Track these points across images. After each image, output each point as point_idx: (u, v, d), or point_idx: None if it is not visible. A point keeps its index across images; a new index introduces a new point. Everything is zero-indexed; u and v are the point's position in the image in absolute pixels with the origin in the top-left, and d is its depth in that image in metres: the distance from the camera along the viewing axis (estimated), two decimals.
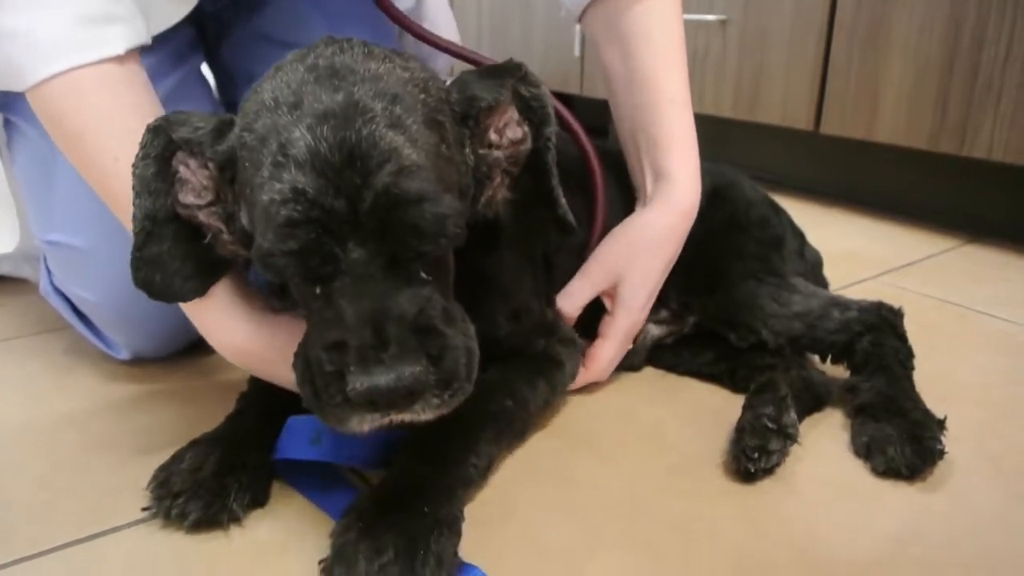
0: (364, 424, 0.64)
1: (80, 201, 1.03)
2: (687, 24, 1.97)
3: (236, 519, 0.76)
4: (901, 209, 1.88)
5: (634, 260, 0.96)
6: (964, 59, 1.55)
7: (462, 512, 0.72)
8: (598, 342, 0.98)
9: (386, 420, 0.64)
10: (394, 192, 0.61)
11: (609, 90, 1.05)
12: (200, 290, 0.80)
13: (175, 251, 0.76)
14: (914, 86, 1.63)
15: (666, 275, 0.99)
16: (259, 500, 0.79)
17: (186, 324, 1.06)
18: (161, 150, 0.72)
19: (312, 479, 0.80)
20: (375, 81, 0.64)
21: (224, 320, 0.83)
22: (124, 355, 1.08)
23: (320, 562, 0.66)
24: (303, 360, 0.67)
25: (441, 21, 1.39)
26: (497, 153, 0.76)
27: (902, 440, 0.84)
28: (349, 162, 0.60)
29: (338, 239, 0.61)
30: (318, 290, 0.65)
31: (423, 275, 0.66)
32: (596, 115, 1.85)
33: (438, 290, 0.67)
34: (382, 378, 0.61)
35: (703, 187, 1.07)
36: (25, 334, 1.19)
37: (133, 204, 0.73)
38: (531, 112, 0.76)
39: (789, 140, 2.04)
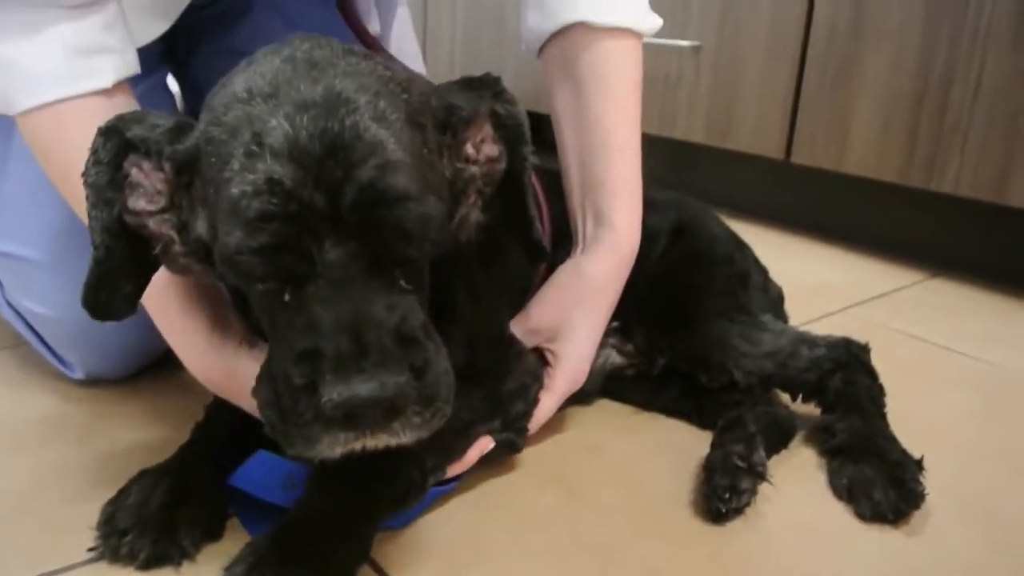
0: (336, 447, 0.58)
1: (33, 210, 1.00)
2: (661, 49, 1.99)
3: (187, 556, 0.72)
4: (869, 240, 1.89)
5: (577, 311, 0.93)
6: (933, 96, 1.57)
7: (366, 552, 0.69)
8: (540, 394, 0.92)
9: (359, 444, 0.59)
10: (379, 188, 0.56)
11: (557, 129, 1.02)
12: (132, 309, 0.72)
13: (122, 269, 0.69)
14: (884, 120, 1.65)
15: (606, 323, 0.96)
16: (212, 533, 0.75)
17: (144, 345, 1.04)
18: (114, 155, 0.65)
19: (252, 505, 0.77)
20: (356, 75, 0.60)
21: (204, 349, 0.80)
22: (79, 375, 1.05)
23: None
24: (267, 380, 0.61)
25: (406, 49, 1.37)
26: (473, 169, 0.72)
27: (884, 484, 0.83)
28: (331, 153, 0.56)
29: (315, 236, 0.56)
30: (287, 297, 0.60)
31: (403, 284, 0.61)
32: None
33: (419, 302, 0.63)
34: (363, 387, 0.55)
35: (668, 221, 1.06)
36: None
37: (89, 216, 0.67)
38: (506, 131, 0.73)
39: (760, 168, 2.04)
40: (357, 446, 0.59)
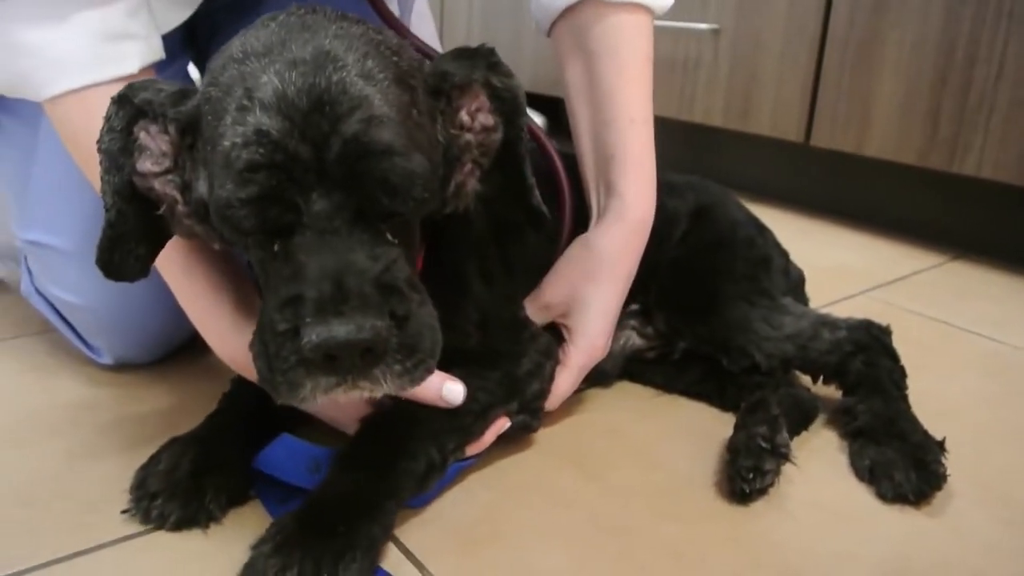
0: (318, 391, 0.61)
1: (62, 200, 1.01)
2: (679, 32, 1.98)
3: (214, 519, 0.76)
4: (889, 223, 1.88)
5: (589, 285, 0.93)
6: (956, 76, 1.55)
7: (388, 527, 0.71)
8: (556, 370, 0.93)
9: (343, 390, 0.61)
10: (363, 141, 0.58)
11: (569, 106, 1.03)
12: (145, 271, 0.75)
13: (135, 231, 0.71)
14: (905, 101, 1.64)
15: (624, 295, 0.96)
16: (237, 499, 0.78)
17: (170, 330, 1.06)
18: (127, 122, 0.68)
19: (274, 486, 0.78)
20: (347, 37, 0.63)
21: (228, 330, 0.82)
22: (107, 360, 1.06)
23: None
24: (258, 332, 0.63)
25: (424, 34, 1.38)
26: (468, 136, 0.73)
27: (907, 465, 0.84)
28: (317, 107, 0.58)
29: (301, 188, 0.59)
30: (276, 247, 0.62)
31: (389, 237, 0.63)
32: None
33: (405, 258, 0.65)
34: (341, 328, 0.57)
35: (688, 204, 1.06)
36: (5, 337, 1.17)
37: (102, 180, 0.70)
38: (502, 103, 0.74)
39: (779, 151, 2.04)
40: (340, 391, 0.61)
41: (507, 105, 0.74)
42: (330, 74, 0.60)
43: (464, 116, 0.73)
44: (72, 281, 1.02)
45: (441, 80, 0.71)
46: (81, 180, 0.85)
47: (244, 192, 0.58)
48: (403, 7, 1.37)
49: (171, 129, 0.68)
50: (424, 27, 1.44)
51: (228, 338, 0.82)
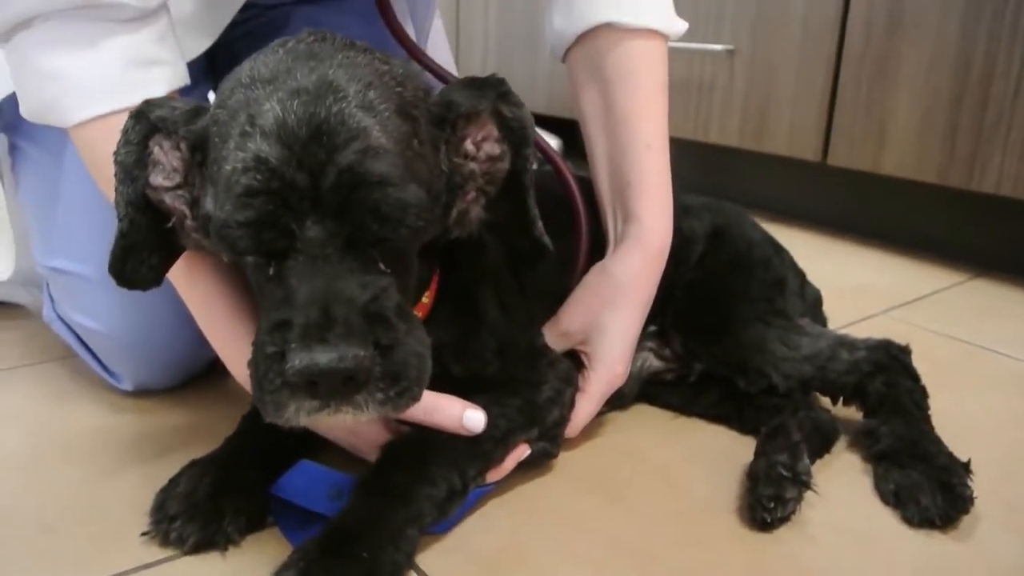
0: (302, 414, 0.62)
1: (85, 227, 1.02)
2: (694, 53, 1.99)
3: (232, 542, 0.76)
4: (909, 242, 1.87)
5: (607, 311, 0.93)
6: (973, 93, 1.55)
7: (411, 554, 0.71)
8: (576, 397, 0.93)
9: (326, 413, 0.61)
10: (358, 171, 0.60)
11: (584, 132, 1.03)
12: (158, 280, 0.77)
13: (147, 241, 0.74)
14: (923, 119, 1.63)
15: (643, 321, 0.96)
16: (256, 522, 0.78)
17: (191, 356, 1.06)
18: (143, 137, 0.71)
19: (292, 512, 0.78)
20: (352, 67, 0.64)
21: (244, 356, 0.82)
22: (127, 386, 1.07)
23: None
24: (254, 351, 0.64)
25: (441, 59, 1.39)
26: (472, 165, 0.74)
27: (932, 488, 0.83)
28: (315, 136, 0.60)
29: (296, 214, 0.60)
30: (271, 270, 0.64)
31: (382, 266, 0.64)
32: None
33: (396, 287, 0.65)
34: (323, 356, 0.58)
35: (704, 225, 1.06)
36: (27, 363, 1.18)
37: (116, 191, 0.72)
38: (510, 132, 0.74)
39: (796, 171, 2.03)
40: (323, 416, 0.62)
41: (515, 135, 0.74)
42: (330, 104, 0.61)
43: (469, 145, 0.74)
44: (94, 308, 1.03)
45: (446, 109, 0.72)
46: (105, 208, 0.86)
47: (242, 215, 0.60)
48: (419, 32, 1.38)
49: (183, 146, 0.70)
50: (440, 52, 1.45)
51: (247, 362, 0.82)
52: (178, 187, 0.72)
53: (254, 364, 0.64)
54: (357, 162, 0.60)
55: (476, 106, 0.72)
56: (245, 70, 0.66)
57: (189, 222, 0.73)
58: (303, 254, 0.61)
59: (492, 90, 0.74)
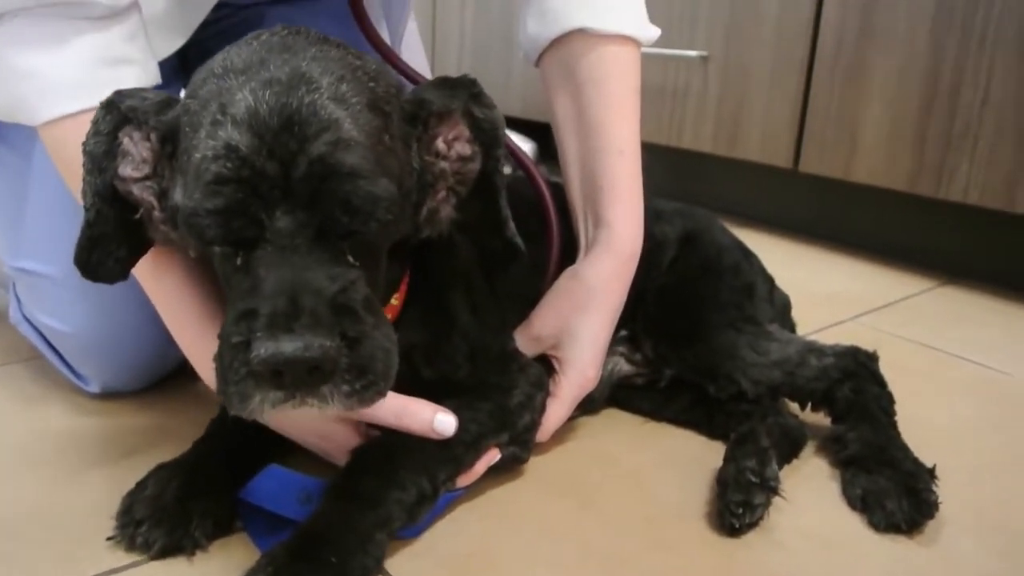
0: (266, 405, 0.61)
1: (53, 228, 1.01)
2: (668, 59, 2.00)
3: (199, 546, 0.75)
4: (879, 249, 1.89)
5: (578, 316, 0.94)
6: (942, 102, 1.57)
7: (380, 559, 0.71)
8: (547, 401, 0.92)
9: (291, 405, 0.61)
10: (329, 162, 0.60)
11: (557, 137, 1.04)
12: (125, 273, 0.76)
13: (115, 233, 0.73)
14: (892, 127, 1.65)
15: (614, 326, 0.97)
16: (222, 526, 0.78)
17: (158, 359, 1.05)
18: (113, 127, 0.70)
19: (261, 517, 0.78)
20: (325, 60, 0.65)
21: (208, 360, 0.81)
22: (95, 388, 1.06)
23: None
24: (220, 343, 0.64)
25: (415, 62, 1.39)
26: (443, 164, 0.74)
27: (899, 494, 0.84)
28: (287, 126, 0.60)
29: (266, 204, 0.60)
30: (239, 261, 0.63)
31: (351, 259, 0.64)
32: None
33: (365, 281, 0.65)
34: (288, 345, 0.58)
35: (675, 230, 1.07)
36: None
37: (84, 181, 0.71)
38: (482, 133, 0.75)
39: (768, 177, 2.05)
40: (288, 407, 0.62)
41: (486, 136, 0.75)
42: (302, 95, 0.61)
43: (440, 144, 0.74)
44: (61, 309, 1.01)
45: (418, 107, 0.72)
46: (74, 209, 0.85)
47: (211, 203, 0.60)
48: (393, 34, 1.38)
49: (152, 137, 0.70)
50: (415, 55, 1.45)
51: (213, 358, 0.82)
52: (147, 178, 0.71)
53: (219, 355, 0.63)
54: (328, 153, 0.60)
55: (448, 105, 0.73)
56: (218, 61, 0.66)
57: (157, 213, 0.72)
58: (272, 244, 0.61)
59: (464, 90, 0.74)
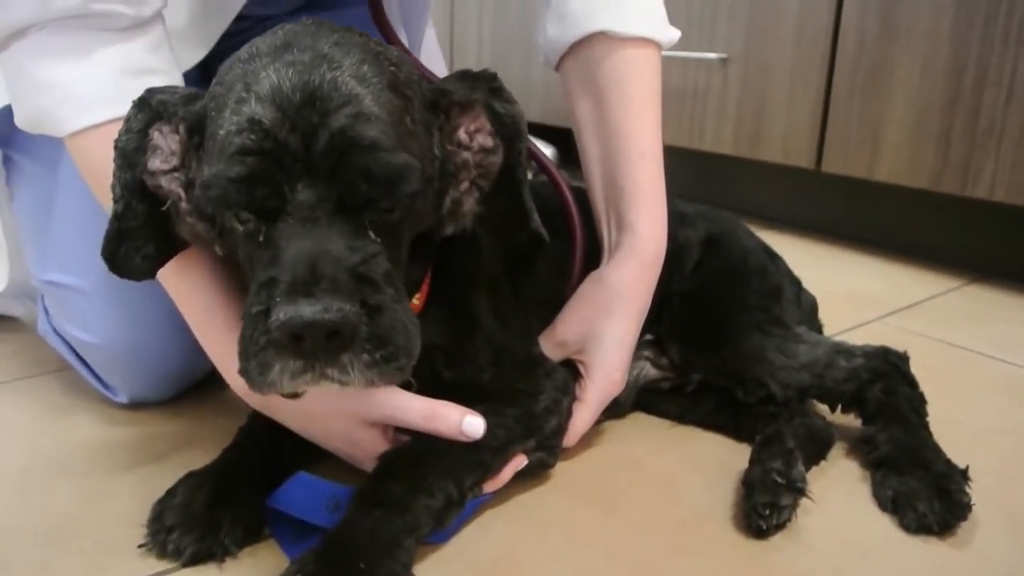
0: (286, 376, 0.61)
1: (81, 241, 1.02)
2: (688, 62, 1.99)
3: (229, 553, 0.76)
4: (903, 248, 1.88)
5: (603, 320, 0.93)
6: (966, 100, 1.55)
7: (408, 564, 0.70)
8: (573, 407, 0.92)
9: (310, 377, 0.61)
10: (350, 135, 0.61)
11: (578, 141, 1.04)
12: (152, 271, 0.77)
13: (143, 228, 0.74)
14: (916, 126, 1.64)
15: (639, 330, 0.96)
16: (252, 532, 0.78)
17: (186, 369, 1.06)
18: (144, 124, 0.72)
19: (289, 525, 0.78)
20: (347, 45, 0.66)
21: (236, 368, 0.82)
22: (123, 399, 1.07)
23: None
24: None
25: (434, 68, 1.39)
26: (466, 155, 0.75)
27: (930, 495, 0.83)
28: (309, 101, 0.61)
29: (288, 176, 0.61)
30: (261, 237, 0.64)
31: (372, 235, 0.65)
32: None
33: (387, 258, 0.65)
34: (307, 308, 0.58)
35: (699, 234, 1.06)
36: (22, 376, 1.18)
37: (113, 176, 0.73)
38: (503, 128, 0.75)
39: (790, 178, 2.04)
40: (307, 379, 0.61)
41: (508, 130, 0.75)
42: (324, 72, 0.63)
43: (462, 134, 0.75)
44: (89, 321, 1.02)
45: (439, 95, 0.73)
46: (101, 221, 0.86)
47: (234, 172, 0.61)
48: (412, 42, 1.38)
49: (181, 128, 0.71)
50: (434, 62, 1.45)
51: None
52: (174, 169, 0.72)
53: (242, 331, 0.63)
54: (349, 126, 0.61)
55: (470, 96, 0.74)
56: (244, 49, 0.68)
57: (184, 205, 0.73)
58: (293, 217, 0.62)
59: (484, 84, 0.75)
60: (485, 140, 0.75)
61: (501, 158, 0.76)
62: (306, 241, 0.61)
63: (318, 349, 0.60)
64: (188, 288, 0.83)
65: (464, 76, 0.76)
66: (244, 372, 0.63)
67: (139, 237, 0.74)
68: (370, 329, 0.61)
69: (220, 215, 0.67)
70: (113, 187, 0.73)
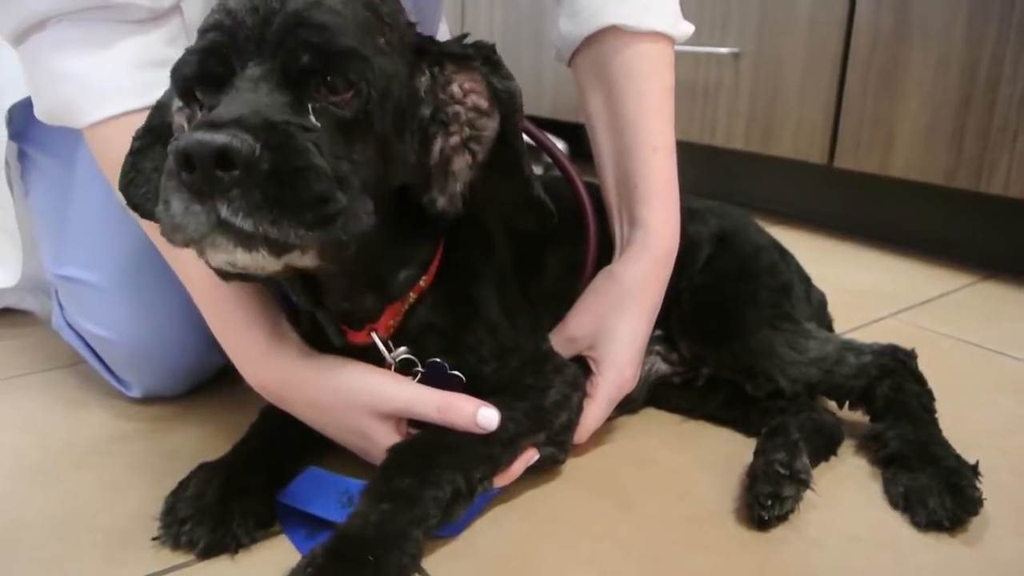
0: (189, 220, 0.58)
1: (96, 235, 1.03)
2: (700, 56, 1.99)
3: (241, 544, 0.77)
4: (916, 244, 1.87)
5: (615, 316, 0.93)
6: (980, 96, 1.55)
7: (416, 556, 0.71)
8: (584, 402, 0.92)
9: (205, 217, 0.57)
10: (303, 15, 0.64)
11: (591, 136, 1.04)
12: None
13: (156, 155, 0.76)
14: (930, 121, 1.63)
15: (651, 326, 0.96)
16: (263, 525, 0.79)
17: (199, 364, 1.06)
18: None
19: (299, 520, 0.79)
20: None
21: (261, 359, 0.83)
22: (136, 393, 1.07)
23: None
24: None
25: None
26: (458, 108, 0.75)
27: (941, 491, 0.83)
28: None
29: (241, 52, 0.64)
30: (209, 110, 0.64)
31: (313, 120, 0.64)
32: None
33: (325, 140, 0.64)
34: (204, 135, 0.56)
35: (709, 230, 1.06)
36: (36, 370, 1.19)
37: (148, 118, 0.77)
38: (501, 104, 0.76)
39: (803, 173, 2.03)
40: (202, 217, 0.58)
41: (505, 106, 0.76)
42: None
43: (455, 88, 0.76)
44: (104, 315, 1.03)
45: (428, 42, 0.75)
46: (118, 217, 0.86)
47: (196, 46, 0.66)
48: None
49: None
50: None
51: (260, 366, 0.83)
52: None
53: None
54: (304, 9, 0.64)
55: (467, 53, 0.75)
56: None
57: None
58: (238, 89, 0.63)
59: (481, 53, 0.76)
60: (479, 101, 0.76)
61: (496, 125, 0.76)
62: (238, 100, 0.62)
63: (209, 177, 0.57)
64: (203, 282, 0.84)
65: (461, 38, 0.77)
66: (162, 227, 0.61)
67: (154, 170, 0.76)
68: (271, 166, 0.58)
69: (183, 99, 0.69)
70: (137, 131, 0.76)
